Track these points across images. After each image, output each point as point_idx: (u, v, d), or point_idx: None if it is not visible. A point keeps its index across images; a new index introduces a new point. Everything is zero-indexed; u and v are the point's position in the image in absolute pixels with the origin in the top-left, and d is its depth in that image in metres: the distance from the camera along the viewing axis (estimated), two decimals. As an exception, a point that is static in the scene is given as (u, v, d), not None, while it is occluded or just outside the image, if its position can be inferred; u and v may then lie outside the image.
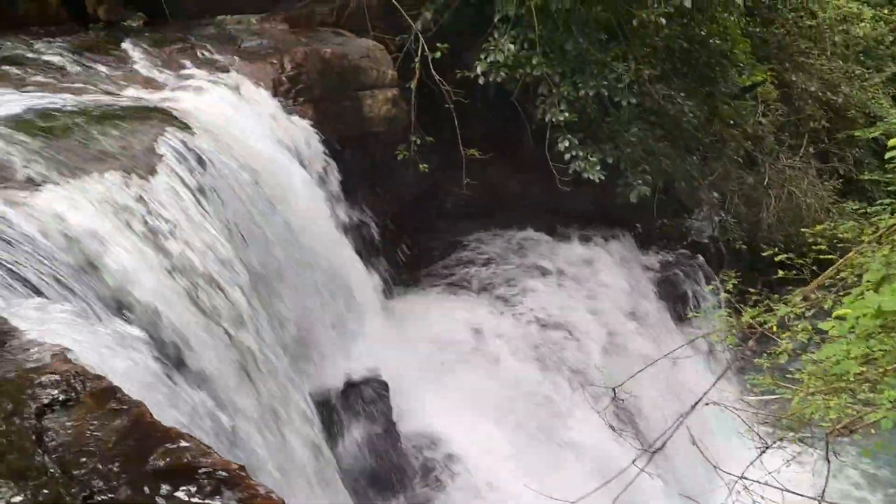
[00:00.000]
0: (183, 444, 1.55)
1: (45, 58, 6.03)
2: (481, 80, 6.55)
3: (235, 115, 5.43)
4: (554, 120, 6.51)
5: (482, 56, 6.48)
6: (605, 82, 6.72)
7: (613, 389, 3.42)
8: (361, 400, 5.27)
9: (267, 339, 4.33)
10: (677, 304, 8.59)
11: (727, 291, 4.93)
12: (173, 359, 3.43)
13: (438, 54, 6.70)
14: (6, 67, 5.70)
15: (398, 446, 5.28)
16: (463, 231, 8.02)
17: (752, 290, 4.79)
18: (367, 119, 6.60)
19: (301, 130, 5.92)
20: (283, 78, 6.13)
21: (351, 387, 5.23)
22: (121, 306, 3.33)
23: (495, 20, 6.61)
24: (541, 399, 6.14)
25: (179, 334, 3.51)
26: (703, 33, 7.96)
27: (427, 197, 7.47)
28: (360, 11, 7.38)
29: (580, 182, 7.28)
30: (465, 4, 7.10)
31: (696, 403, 3.60)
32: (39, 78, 5.57)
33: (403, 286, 6.90)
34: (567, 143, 6.54)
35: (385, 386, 5.23)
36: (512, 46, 6.35)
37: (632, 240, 8.62)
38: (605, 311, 7.88)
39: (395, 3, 7.01)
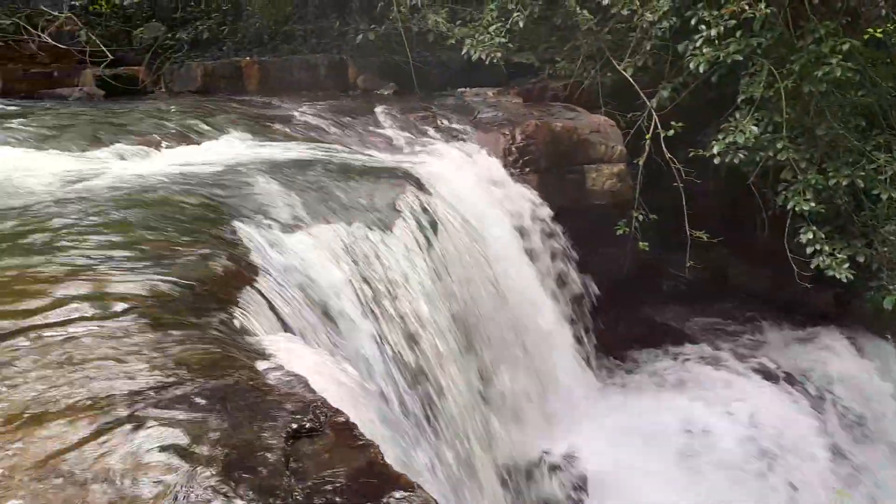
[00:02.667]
0: (413, 493, 1.55)
1: (309, 118, 6.86)
2: (716, 161, 6.23)
3: (467, 180, 5.70)
4: (797, 209, 5.96)
5: (720, 136, 6.18)
6: (862, 172, 6.05)
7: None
8: (553, 480, 5.06)
9: (467, 403, 4.35)
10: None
11: None
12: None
13: (672, 132, 6.52)
14: (278, 125, 6.57)
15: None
16: (678, 316, 7.55)
17: None
18: (590, 192, 6.58)
19: (524, 199, 6.04)
20: (513, 148, 6.34)
21: (544, 465, 5.04)
22: (344, 344, 3.55)
23: (738, 101, 6.30)
24: None
25: (388, 382, 3.64)
26: None
27: (643, 276, 7.18)
28: (593, 88, 7.50)
29: (820, 279, 6.56)
30: (704, 84, 6.90)
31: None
32: (303, 134, 6.34)
33: (609, 367, 6.61)
34: (811, 235, 5.93)
35: (581, 468, 4.97)
36: (755, 128, 5.98)
37: (884, 350, 7.50)
38: (838, 429, 6.87)
39: (631, 80, 7.01)
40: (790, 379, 6.90)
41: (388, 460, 1.80)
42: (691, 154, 6.57)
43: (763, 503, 5.51)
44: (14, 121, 6.24)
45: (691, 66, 6.29)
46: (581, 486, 4.96)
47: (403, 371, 3.79)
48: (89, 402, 1.86)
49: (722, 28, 6.14)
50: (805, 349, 7.47)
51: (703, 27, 6.27)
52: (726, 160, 6.22)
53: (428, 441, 3.71)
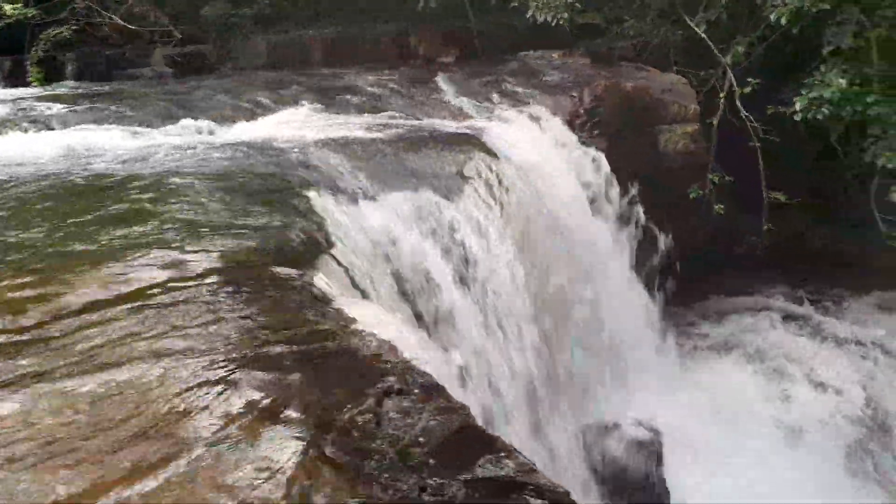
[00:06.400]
0: (508, 457, 1.52)
1: (374, 88, 6.84)
2: (798, 118, 5.90)
3: (534, 144, 5.59)
4: (889, 165, 5.59)
5: (804, 91, 5.84)
6: (962, 124, 5.62)
7: None
8: (630, 447, 4.99)
9: (544, 367, 4.31)
10: None
11: None
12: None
13: (748, 89, 6.21)
14: (344, 96, 6.58)
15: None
16: (755, 283, 7.28)
17: None
18: (663, 154, 6.38)
19: (593, 162, 5.89)
20: (581, 111, 6.18)
21: (620, 431, 4.97)
22: (419, 312, 3.55)
23: (824, 53, 5.92)
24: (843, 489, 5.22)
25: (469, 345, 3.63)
26: None
27: (718, 241, 6.93)
28: (664, 46, 7.21)
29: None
30: (783, 38, 6.52)
31: None
32: (368, 104, 6.33)
33: (684, 335, 6.44)
34: (904, 193, 5.57)
35: (659, 436, 4.88)
36: (842, 81, 5.61)
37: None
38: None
39: (704, 36, 6.70)
40: (879, 346, 6.57)
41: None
42: (770, 111, 6.25)
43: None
44: (93, 102, 6.47)
45: (771, 17, 5.94)
46: (654, 449, 4.88)
47: (481, 326, 3.78)
48: (180, 368, 1.90)
49: (807, -25, 5.76)
50: (890, 316, 7.10)
51: (786, -25, 5.89)
52: (809, 116, 5.88)
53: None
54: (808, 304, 7.34)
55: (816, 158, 7.15)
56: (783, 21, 5.82)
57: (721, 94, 6.41)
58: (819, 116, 5.85)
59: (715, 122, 6.40)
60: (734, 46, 6.56)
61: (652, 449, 4.88)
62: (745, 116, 6.29)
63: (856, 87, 5.73)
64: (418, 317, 3.51)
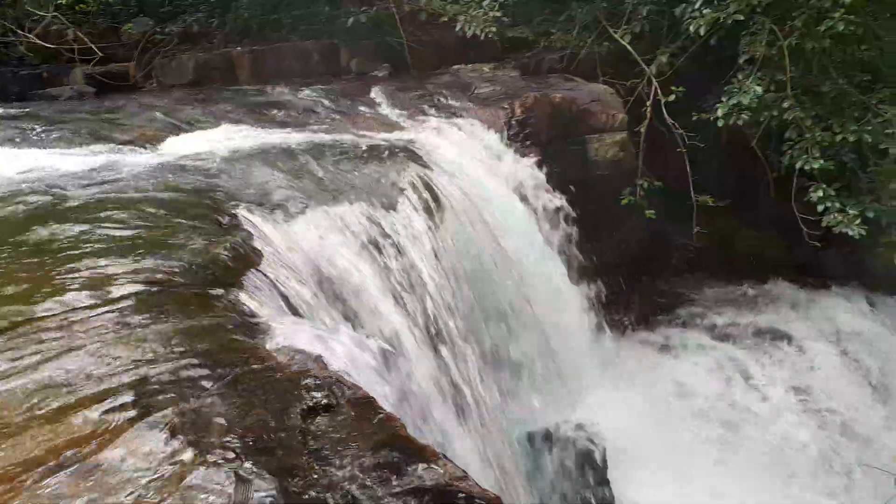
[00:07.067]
0: (439, 465, 1.48)
1: (303, 103, 6.76)
2: (720, 123, 6.11)
3: (467, 156, 5.61)
4: (807, 167, 5.84)
5: (724, 98, 6.06)
6: (870, 127, 5.93)
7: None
8: (572, 453, 5.01)
9: (481, 374, 4.30)
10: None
11: None
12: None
13: (672, 97, 6.41)
14: (272, 112, 6.48)
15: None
16: (688, 284, 7.48)
17: None
18: (594, 162, 6.49)
19: (527, 173, 5.95)
20: (513, 122, 6.24)
21: (561, 437, 4.99)
22: (354, 323, 3.48)
23: (740, 61, 6.17)
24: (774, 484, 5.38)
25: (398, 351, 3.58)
26: None
27: (652, 245, 7.09)
28: (591, 58, 7.38)
29: (831, 238, 6.46)
30: (703, 48, 6.77)
31: None
32: (298, 119, 6.24)
33: (622, 337, 6.55)
34: (821, 193, 5.81)
35: (600, 441, 4.91)
36: (758, 88, 5.85)
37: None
38: (848, 391, 6.79)
39: (629, 48, 6.89)
40: (802, 339, 6.84)
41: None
42: (694, 118, 6.46)
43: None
44: (9, 123, 6.16)
45: (690, 29, 6.15)
46: (594, 452, 4.90)
47: (419, 344, 3.74)
48: (95, 391, 1.80)
49: (721, -12, 6.01)
50: (817, 309, 7.40)
51: (702, -12, 6.13)
52: (730, 122, 6.09)
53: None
54: (739, 302, 7.57)
55: (742, 162, 7.42)
56: (701, 32, 6.04)
57: (647, 103, 6.59)
58: (739, 122, 6.08)
59: (642, 129, 6.56)
60: (658, 57, 6.76)
61: (595, 456, 4.91)
62: (671, 124, 6.48)
63: (771, 93, 5.98)
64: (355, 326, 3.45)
